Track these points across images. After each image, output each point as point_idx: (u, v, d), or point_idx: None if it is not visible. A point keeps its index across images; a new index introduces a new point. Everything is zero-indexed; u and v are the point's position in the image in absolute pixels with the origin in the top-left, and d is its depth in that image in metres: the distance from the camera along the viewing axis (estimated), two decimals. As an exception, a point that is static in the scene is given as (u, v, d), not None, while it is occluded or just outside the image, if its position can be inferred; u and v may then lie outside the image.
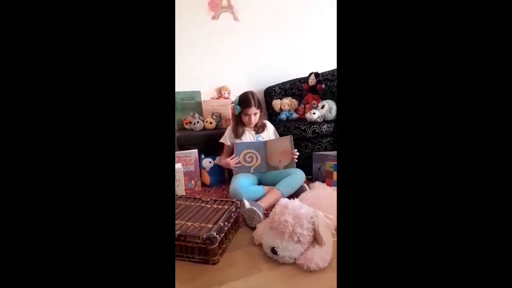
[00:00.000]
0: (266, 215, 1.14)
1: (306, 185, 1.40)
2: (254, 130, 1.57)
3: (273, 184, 1.36)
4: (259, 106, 1.52)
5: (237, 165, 1.43)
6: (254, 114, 1.50)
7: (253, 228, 1.09)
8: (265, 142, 1.48)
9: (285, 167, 1.43)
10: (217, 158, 1.64)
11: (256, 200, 1.25)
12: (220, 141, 1.59)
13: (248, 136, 1.55)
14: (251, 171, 1.45)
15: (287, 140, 1.45)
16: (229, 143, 1.55)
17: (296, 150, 1.44)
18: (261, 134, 1.57)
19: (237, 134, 1.53)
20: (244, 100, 1.49)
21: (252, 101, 1.47)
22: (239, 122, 1.55)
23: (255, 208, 1.12)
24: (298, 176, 1.37)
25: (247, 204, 1.15)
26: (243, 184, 1.33)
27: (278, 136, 1.63)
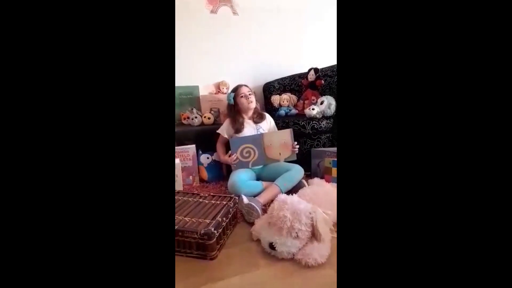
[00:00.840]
0: (264, 210, 1.13)
1: (304, 181, 1.39)
2: (253, 120, 1.56)
3: (272, 179, 1.36)
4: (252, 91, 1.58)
5: (236, 162, 1.42)
6: (250, 94, 1.53)
7: (252, 224, 1.09)
8: (262, 134, 1.47)
9: (286, 160, 1.45)
10: (215, 154, 1.63)
11: (255, 196, 1.25)
12: (217, 131, 1.58)
13: (248, 128, 1.53)
14: (250, 166, 1.44)
15: (288, 133, 1.46)
16: (226, 136, 1.54)
17: (296, 143, 1.45)
18: (261, 124, 1.56)
19: (237, 129, 1.51)
20: (236, 86, 1.57)
21: (243, 84, 1.55)
22: (236, 113, 1.54)
23: (253, 204, 1.11)
24: (296, 171, 1.37)
25: (245, 200, 1.15)
26: (242, 180, 1.32)
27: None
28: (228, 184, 1.34)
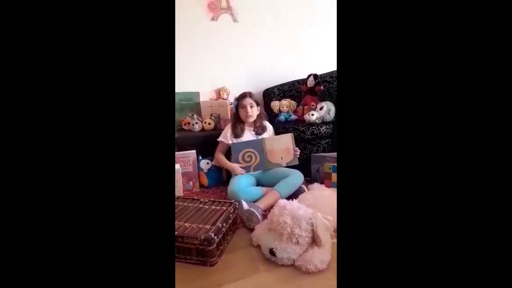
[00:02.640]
0: (264, 216, 1.13)
1: (304, 187, 1.39)
2: (254, 130, 1.57)
3: (271, 185, 1.35)
4: (256, 102, 1.56)
5: (242, 167, 1.42)
6: (251, 106, 1.52)
7: (252, 229, 1.08)
8: (263, 139, 1.48)
9: (287, 164, 1.46)
10: (215, 159, 1.63)
11: (255, 201, 1.25)
12: (219, 139, 1.56)
13: (248, 136, 1.55)
14: (251, 170, 1.45)
15: (289, 138, 1.48)
16: (229, 141, 1.53)
17: (297, 147, 1.47)
18: (262, 135, 1.57)
19: (236, 133, 1.52)
20: (240, 95, 1.56)
21: (247, 94, 1.54)
22: (238, 120, 1.56)
23: (253, 209, 1.11)
24: (296, 177, 1.37)
25: (245, 205, 1.14)
26: (242, 185, 1.32)
27: None
28: (228, 191, 1.34)
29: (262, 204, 1.22)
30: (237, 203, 1.16)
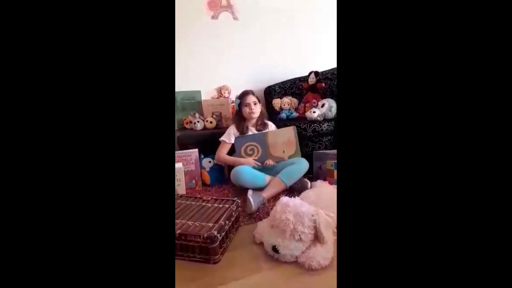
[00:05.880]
0: (267, 213, 1.13)
1: (309, 182, 1.40)
2: (256, 128, 1.58)
3: (275, 173, 1.37)
4: (258, 99, 1.57)
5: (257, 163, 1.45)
6: (254, 104, 1.53)
7: (254, 225, 1.09)
8: (265, 133, 1.50)
9: (290, 157, 1.47)
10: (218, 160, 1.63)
11: (256, 189, 1.30)
12: (221, 139, 1.56)
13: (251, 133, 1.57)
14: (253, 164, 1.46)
15: (291, 131, 1.48)
16: (232, 141, 1.54)
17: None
18: (263, 131, 1.58)
19: (242, 132, 1.54)
20: (242, 93, 1.57)
21: (250, 92, 1.55)
22: (241, 118, 1.56)
23: (249, 197, 1.18)
24: (301, 165, 1.38)
25: (249, 191, 1.21)
26: (247, 167, 1.37)
27: None
28: (232, 171, 1.37)
29: (266, 193, 1.26)
30: (239, 201, 1.16)
